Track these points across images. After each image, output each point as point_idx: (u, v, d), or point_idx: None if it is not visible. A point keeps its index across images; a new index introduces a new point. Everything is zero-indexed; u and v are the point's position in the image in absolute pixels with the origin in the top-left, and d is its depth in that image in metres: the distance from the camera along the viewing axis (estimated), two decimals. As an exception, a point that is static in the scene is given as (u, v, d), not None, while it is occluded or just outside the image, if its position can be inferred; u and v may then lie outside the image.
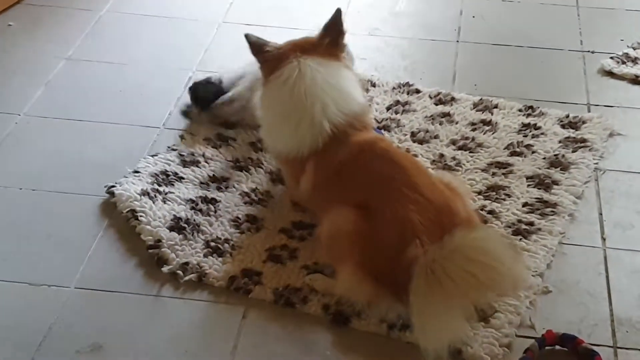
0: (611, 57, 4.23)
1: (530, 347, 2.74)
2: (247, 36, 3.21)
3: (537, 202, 3.34)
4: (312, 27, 4.09)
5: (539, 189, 3.41)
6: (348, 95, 3.14)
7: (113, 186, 3.35)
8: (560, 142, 3.67)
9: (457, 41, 4.45)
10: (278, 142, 3.18)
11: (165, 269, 3.02)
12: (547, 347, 2.79)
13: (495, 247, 2.72)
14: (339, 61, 3.20)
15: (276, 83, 3.12)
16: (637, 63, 4.19)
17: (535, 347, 2.75)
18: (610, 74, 4.16)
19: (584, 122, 3.78)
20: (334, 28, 3.18)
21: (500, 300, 2.91)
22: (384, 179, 2.93)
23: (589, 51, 4.34)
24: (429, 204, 2.83)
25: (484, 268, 2.65)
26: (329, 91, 3.09)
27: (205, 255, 3.08)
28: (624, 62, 4.19)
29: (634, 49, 4.30)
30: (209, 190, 3.38)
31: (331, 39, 3.17)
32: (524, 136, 3.70)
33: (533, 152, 3.60)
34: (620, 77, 4.13)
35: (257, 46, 3.19)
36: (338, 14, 3.18)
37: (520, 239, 3.16)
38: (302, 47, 3.16)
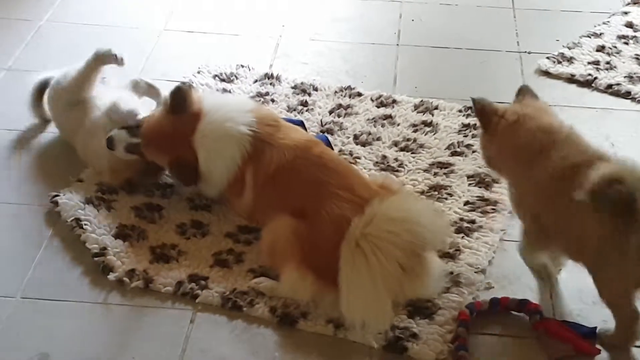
0: (547, 57, 4.32)
1: (459, 334, 2.84)
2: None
3: (478, 200, 3.41)
4: (253, 33, 4.16)
5: (480, 187, 3.48)
6: (238, 104, 3.34)
7: (57, 195, 3.34)
8: (499, 141, 3.74)
9: (397, 44, 4.50)
10: (220, 179, 3.24)
11: (111, 276, 3.03)
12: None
13: (413, 205, 2.95)
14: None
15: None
16: (572, 62, 4.28)
17: (463, 331, 2.85)
18: (546, 73, 4.24)
19: (522, 121, 3.85)
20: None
21: (443, 297, 2.97)
22: (320, 184, 3.06)
23: (525, 52, 4.43)
24: (364, 202, 2.94)
25: (404, 224, 2.81)
26: (224, 114, 3.24)
27: (151, 262, 3.09)
28: (559, 62, 4.28)
29: (569, 48, 4.39)
30: (153, 197, 3.39)
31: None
32: (464, 136, 3.77)
33: (473, 152, 3.67)
34: (557, 77, 4.22)
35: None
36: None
37: (463, 236, 3.23)
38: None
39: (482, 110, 3.00)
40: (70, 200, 3.30)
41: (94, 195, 3.35)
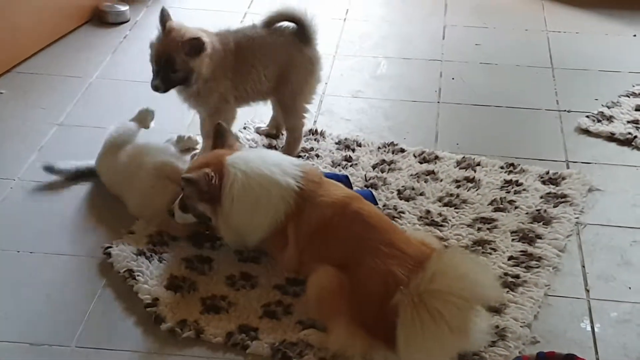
0: (587, 116, 4.39)
1: None
2: (188, 180, 3.29)
3: (522, 255, 3.45)
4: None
5: (523, 242, 3.52)
6: (282, 157, 3.43)
7: (109, 247, 3.43)
8: (541, 197, 3.80)
9: (438, 102, 4.59)
10: (258, 231, 3.29)
11: (163, 326, 3.09)
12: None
13: (470, 263, 2.98)
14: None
15: (233, 196, 3.24)
16: (612, 121, 4.34)
17: None
18: (586, 131, 4.31)
19: (563, 178, 3.91)
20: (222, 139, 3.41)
21: (489, 351, 3.00)
22: (361, 240, 3.11)
23: (565, 110, 4.50)
24: (407, 257, 3.00)
25: (463, 281, 2.84)
26: (271, 165, 3.29)
27: (202, 312, 3.15)
28: (599, 121, 4.34)
29: (608, 107, 4.46)
30: (202, 249, 3.46)
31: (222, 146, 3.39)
32: (506, 192, 3.83)
33: (516, 208, 3.72)
34: (596, 135, 4.29)
35: (201, 184, 3.26)
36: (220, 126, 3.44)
37: (508, 291, 3.26)
38: (216, 158, 3.33)
39: None
40: (123, 252, 3.38)
41: (145, 247, 3.43)
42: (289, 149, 4.06)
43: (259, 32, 3.93)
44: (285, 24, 3.94)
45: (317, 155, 4.07)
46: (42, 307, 3.20)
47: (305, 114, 4.10)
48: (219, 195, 3.25)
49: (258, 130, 4.27)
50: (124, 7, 5.34)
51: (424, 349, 2.83)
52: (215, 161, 3.30)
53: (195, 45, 3.66)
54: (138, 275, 3.28)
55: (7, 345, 3.03)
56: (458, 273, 2.87)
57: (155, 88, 3.76)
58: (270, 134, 4.24)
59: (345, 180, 3.67)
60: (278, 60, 3.93)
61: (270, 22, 3.93)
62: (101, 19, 5.28)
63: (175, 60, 3.68)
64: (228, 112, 3.94)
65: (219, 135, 3.42)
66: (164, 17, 3.70)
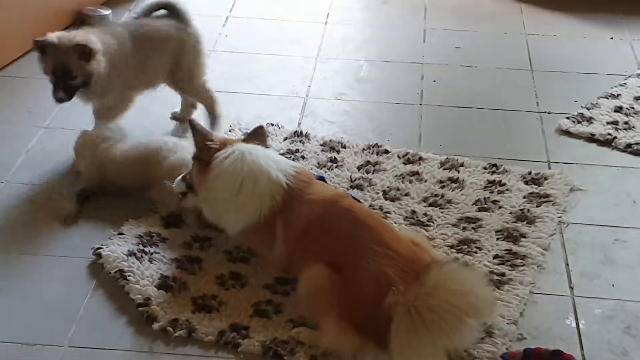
0: (567, 117, 4.46)
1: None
2: (191, 122, 3.40)
3: (506, 254, 3.51)
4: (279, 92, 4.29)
5: (508, 241, 3.58)
6: (282, 159, 3.44)
7: (100, 248, 3.45)
8: (524, 197, 3.86)
9: (420, 104, 4.65)
10: (239, 216, 3.31)
11: (155, 325, 3.12)
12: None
13: (470, 277, 2.97)
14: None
15: (222, 167, 3.29)
16: (591, 122, 4.42)
17: None
18: (567, 132, 4.38)
19: (545, 179, 3.98)
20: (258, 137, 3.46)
21: (477, 348, 3.05)
22: (353, 239, 3.14)
23: (545, 112, 4.57)
24: (399, 256, 3.03)
25: (463, 297, 2.85)
26: (270, 158, 3.34)
27: (193, 312, 3.19)
28: (579, 122, 4.42)
29: (588, 109, 4.54)
30: (192, 249, 3.49)
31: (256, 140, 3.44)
32: (490, 192, 3.89)
33: (500, 207, 3.79)
34: (577, 136, 4.36)
35: (201, 135, 3.35)
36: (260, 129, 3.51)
37: (494, 289, 3.31)
38: (233, 140, 3.44)
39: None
40: (113, 253, 3.41)
41: (135, 247, 3.46)
42: (214, 117, 4.27)
43: (148, 21, 4.12)
44: (160, 12, 4.16)
45: (303, 157, 4.12)
46: (34, 307, 3.22)
47: (206, 85, 4.30)
48: (210, 161, 3.29)
49: (175, 116, 4.43)
50: (106, 11, 5.36)
51: (417, 355, 2.85)
52: (227, 141, 3.40)
53: (83, 50, 3.75)
54: (129, 276, 3.31)
55: (-1, 345, 3.06)
56: (458, 288, 2.86)
57: (60, 100, 3.87)
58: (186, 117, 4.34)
59: (323, 180, 3.71)
60: (170, 46, 4.12)
61: (148, 12, 4.14)
62: (84, 23, 5.28)
63: (71, 68, 3.77)
64: (131, 100, 4.14)
65: (255, 134, 3.47)
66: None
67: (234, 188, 3.27)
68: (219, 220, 3.37)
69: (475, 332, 3.04)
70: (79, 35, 3.83)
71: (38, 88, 4.61)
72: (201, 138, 3.32)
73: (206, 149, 3.30)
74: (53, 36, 3.78)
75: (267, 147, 3.46)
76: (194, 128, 3.34)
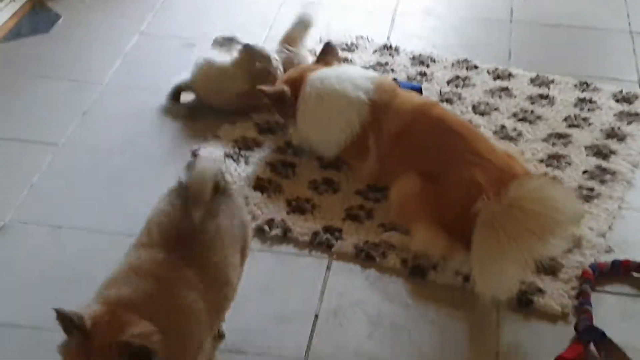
0: (659, 38, 4.42)
1: (584, 290, 2.98)
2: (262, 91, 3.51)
3: (596, 169, 3.54)
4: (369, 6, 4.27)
5: (598, 157, 3.60)
6: (359, 72, 3.53)
7: (197, 149, 3.55)
8: (615, 115, 3.86)
9: (510, 21, 4.63)
10: (332, 138, 3.45)
11: (252, 224, 3.22)
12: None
13: (549, 194, 2.89)
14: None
15: (307, 98, 3.44)
16: (684, 43, 4.38)
17: (587, 288, 2.98)
18: (658, 53, 4.35)
19: (637, 97, 3.97)
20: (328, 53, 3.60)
21: (565, 258, 3.11)
22: (444, 147, 3.20)
23: (637, 32, 4.52)
24: (491, 165, 3.08)
25: (538, 218, 2.83)
26: (344, 80, 3.43)
27: (288, 213, 3.29)
28: (671, 42, 4.38)
29: (681, 30, 4.49)
30: (286, 155, 3.58)
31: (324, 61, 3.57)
32: (580, 110, 3.90)
33: (590, 124, 3.80)
34: (668, 57, 4.33)
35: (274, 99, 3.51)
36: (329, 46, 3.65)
37: (583, 202, 3.35)
38: (300, 75, 3.51)
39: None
40: (211, 154, 3.50)
41: (232, 150, 3.56)
42: None
43: None
44: None
45: (392, 70, 4.15)
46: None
47: None
48: (294, 111, 3.44)
49: None
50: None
51: (493, 269, 2.85)
52: (298, 78, 3.48)
53: None
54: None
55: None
56: (546, 200, 2.84)
57: None
58: None
59: (419, 91, 3.77)
60: None
61: None
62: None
63: None
64: None
65: (324, 52, 3.58)
66: None
67: (323, 125, 3.44)
68: (316, 149, 3.52)
69: (560, 244, 3.07)
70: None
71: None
72: (276, 96, 3.47)
73: (286, 103, 3.47)
74: None
75: (339, 61, 3.58)
76: (264, 93, 3.48)
